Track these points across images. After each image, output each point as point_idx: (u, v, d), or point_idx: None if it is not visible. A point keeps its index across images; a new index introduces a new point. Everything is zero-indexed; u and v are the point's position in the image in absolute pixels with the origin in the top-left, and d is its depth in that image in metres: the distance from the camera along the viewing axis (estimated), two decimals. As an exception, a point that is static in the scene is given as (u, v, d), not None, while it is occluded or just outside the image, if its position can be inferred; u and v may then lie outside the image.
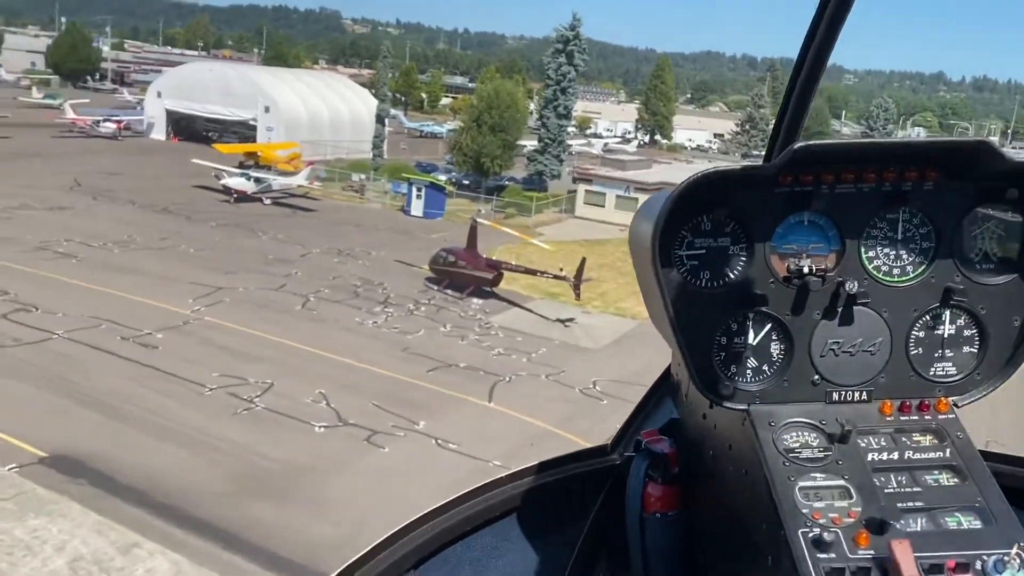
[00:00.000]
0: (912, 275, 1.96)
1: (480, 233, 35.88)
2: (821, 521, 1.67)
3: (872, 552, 1.61)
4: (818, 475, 1.76)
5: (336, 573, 1.97)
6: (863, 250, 1.95)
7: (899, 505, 1.72)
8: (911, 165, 1.91)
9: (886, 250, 1.95)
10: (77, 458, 18.54)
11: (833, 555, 1.61)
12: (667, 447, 2.28)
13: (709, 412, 2.09)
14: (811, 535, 1.64)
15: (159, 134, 76.47)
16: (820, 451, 1.82)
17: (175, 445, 19.65)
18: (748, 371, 1.96)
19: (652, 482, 2.28)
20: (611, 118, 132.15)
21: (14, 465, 16.89)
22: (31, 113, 77.72)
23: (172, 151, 67.06)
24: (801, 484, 1.74)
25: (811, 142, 1.80)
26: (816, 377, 1.95)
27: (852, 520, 1.67)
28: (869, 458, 1.81)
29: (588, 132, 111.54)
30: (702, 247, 1.93)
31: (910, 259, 1.96)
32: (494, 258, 36.68)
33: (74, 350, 24.92)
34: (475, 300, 34.91)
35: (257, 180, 51.17)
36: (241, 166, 56.70)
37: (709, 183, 1.84)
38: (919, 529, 1.67)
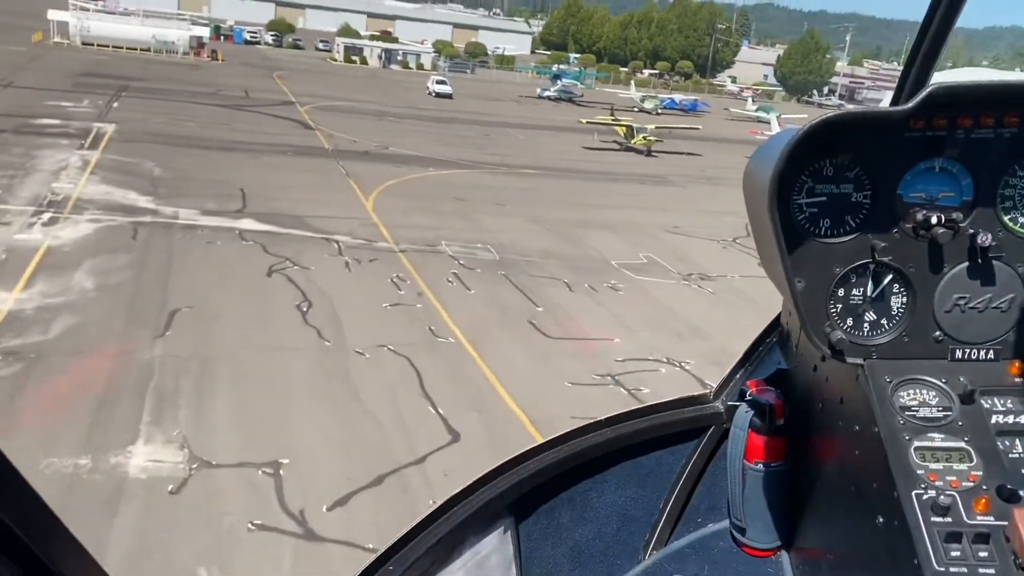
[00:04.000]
0: None
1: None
2: (937, 483, 1.61)
3: (992, 518, 1.56)
4: (936, 435, 1.69)
5: (435, 508, 2.00)
6: (999, 200, 1.82)
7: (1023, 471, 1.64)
8: None
9: None
10: None
11: (949, 519, 1.56)
12: (773, 398, 2.24)
13: (821, 365, 2.04)
14: (926, 497, 1.59)
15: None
16: (939, 411, 1.74)
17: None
18: (866, 324, 1.87)
19: (755, 432, 2.24)
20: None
21: None
22: (734, 127, 70.81)
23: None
24: (917, 444, 1.68)
25: (949, 82, 1.70)
26: (938, 333, 1.84)
27: (971, 484, 1.62)
28: (993, 420, 1.72)
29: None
30: (823, 193, 1.83)
31: None
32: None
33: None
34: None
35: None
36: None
37: (834, 126, 1.74)
38: None
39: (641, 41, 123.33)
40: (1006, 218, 1.83)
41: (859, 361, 1.84)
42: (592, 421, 2.37)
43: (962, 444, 1.69)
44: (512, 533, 2.23)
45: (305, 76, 69.61)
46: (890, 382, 1.79)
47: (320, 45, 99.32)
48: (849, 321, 1.87)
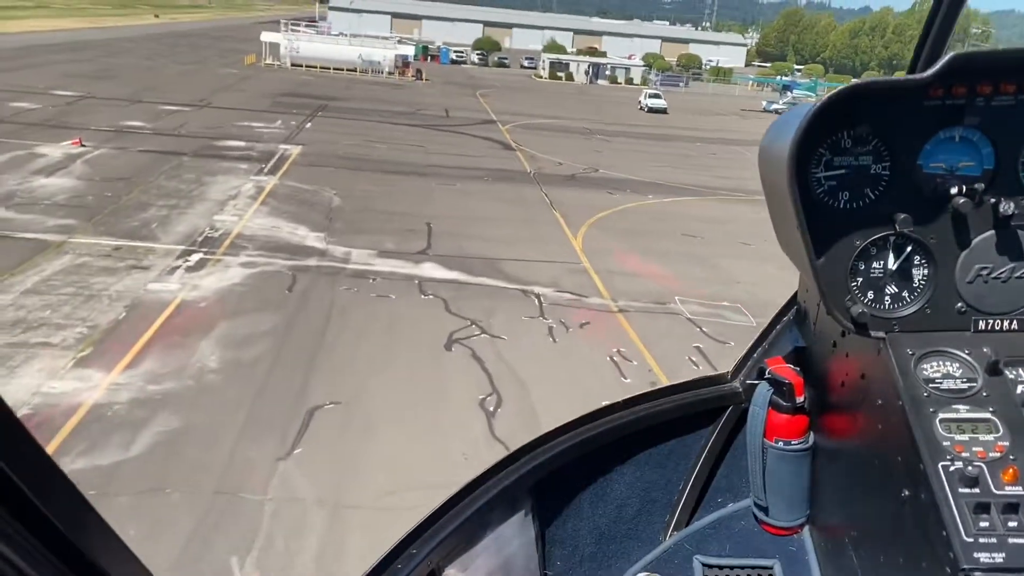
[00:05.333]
0: None
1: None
2: (964, 455, 1.59)
3: (1020, 488, 1.54)
4: (961, 407, 1.67)
5: (456, 492, 2.01)
6: (1020, 168, 1.78)
7: None
8: None
9: None
10: None
11: (977, 490, 1.54)
12: (792, 375, 2.22)
13: (840, 340, 2.02)
14: (953, 469, 1.57)
15: None
16: (964, 382, 1.71)
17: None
18: (886, 298, 1.83)
19: (775, 410, 2.24)
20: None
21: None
22: None
23: None
24: (942, 416, 1.65)
25: (969, 50, 1.68)
26: (961, 305, 1.80)
27: (998, 454, 1.59)
28: (1019, 391, 1.69)
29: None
30: (841, 166, 1.80)
31: None
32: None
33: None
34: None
35: None
36: None
37: (852, 96, 1.73)
38: None
39: (875, 49, 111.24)
40: None
41: (881, 335, 1.80)
42: (610, 404, 2.38)
43: (988, 415, 1.65)
44: (534, 516, 2.25)
45: (509, 93, 65.58)
46: (913, 355, 1.76)
47: (525, 62, 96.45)
48: (870, 295, 1.84)
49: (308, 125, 39.13)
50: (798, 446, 2.22)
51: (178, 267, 18.22)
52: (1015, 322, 1.80)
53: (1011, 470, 1.56)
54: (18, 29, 77.23)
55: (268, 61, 68.96)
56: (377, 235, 22.14)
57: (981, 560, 1.48)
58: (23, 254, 17.90)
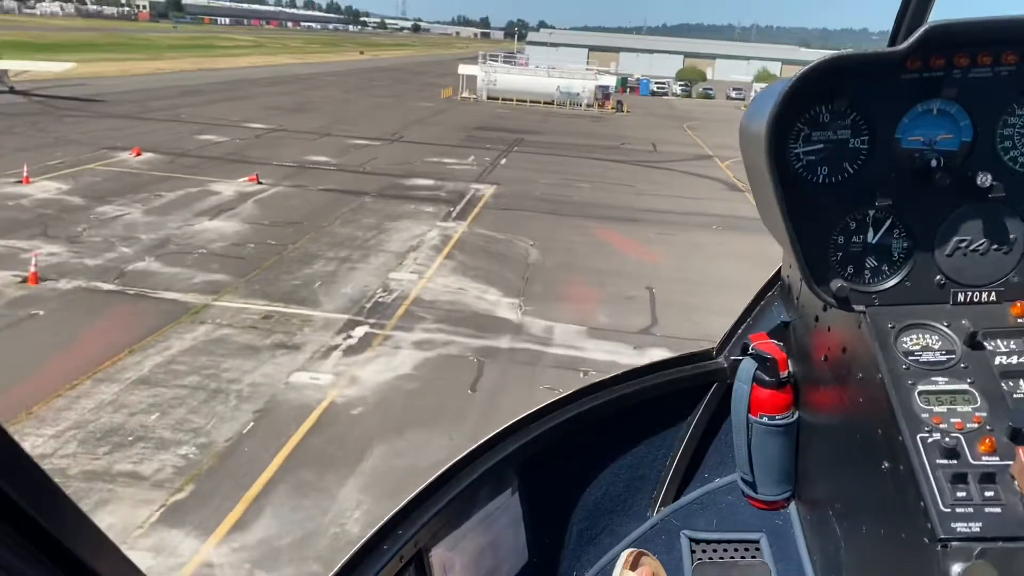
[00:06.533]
0: None
1: None
2: (942, 426, 1.60)
3: (997, 458, 1.54)
4: (940, 379, 1.67)
5: (442, 472, 2.01)
6: (998, 140, 1.79)
7: None
8: None
9: None
10: None
11: (955, 461, 1.55)
12: (776, 351, 2.25)
13: (822, 315, 2.02)
14: (931, 440, 1.58)
15: None
16: (943, 354, 1.72)
17: None
18: (866, 271, 1.85)
19: (760, 386, 2.25)
20: None
21: None
22: None
23: None
24: (921, 388, 1.66)
25: (946, 20, 1.68)
26: (940, 277, 1.82)
27: (976, 425, 1.60)
28: (996, 362, 1.69)
29: None
30: (819, 140, 1.81)
31: None
32: None
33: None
34: None
35: None
36: None
37: (829, 71, 1.73)
38: None
39: None
40: (1005, 158, 1.79)
41: (861, 308, 1.81)
42: (596, 382, 2.39)
43: (966, 386, 1.66)
44: (520, 494, 2.25)
45: (719, 126, 59.18)
46: (893, 328, 1.76)
47: (732, 94, 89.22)
48: (850, 269, 1.85)
49: (503, 161, 35.06)
50: (782, 421, 2.24)
51: (336, 347, 13.99)
52: (993, 294, 1.79)
53: (988, 440, 1.55)
54: (231, 65, 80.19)
55: (464, 94, 66.69)
56: (585, 303, 17.19)
57: (958, 530, 1.47)
58: (154, 322, 14.34)
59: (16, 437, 0.80)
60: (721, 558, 2.42)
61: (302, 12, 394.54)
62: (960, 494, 1.50)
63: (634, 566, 2.25)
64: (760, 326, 2.45)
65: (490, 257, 20.26)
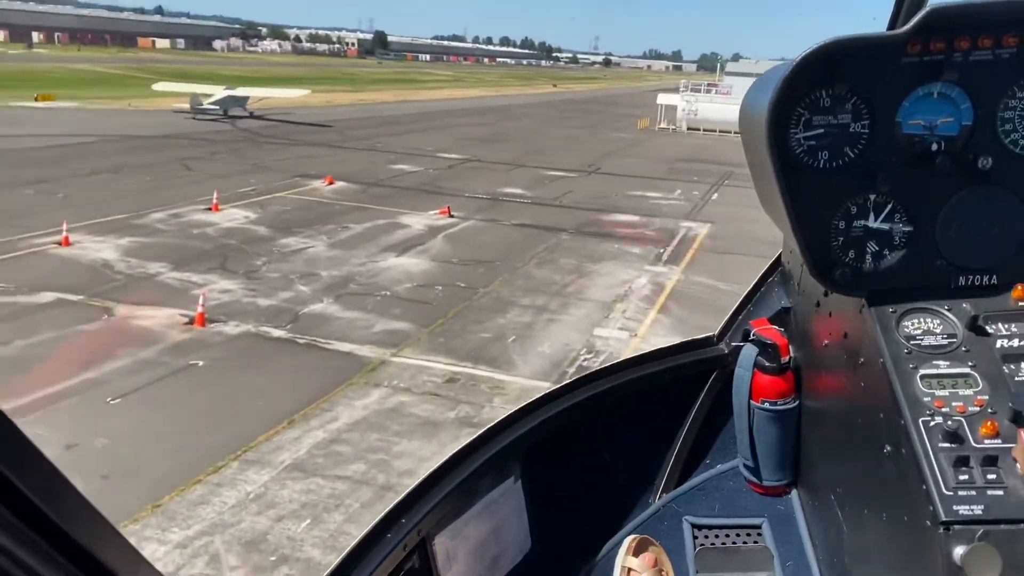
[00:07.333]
0: None
1: None
2: (944, 410, 1.59)
3: (999, 441, 1.53)
4: (941, 363, 1.66)
5: (445, 460, 2.00)
6: (998, 123, 1.75)
7: None
8: None
9: None
10: None
11: (956, 444, 1.53)
12: (777, 336, 2.25)
13: (823, 300, 2.03)
14: (933, 424, 1.57)
15: None
16: (944, 338, 1.70)
17: None
18: (867, 256, 1.82)
19: (761, 372, 2.26)
20: None
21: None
22: None
23: None
24: (923, 372, 1.64)
25: (946, 3, 1.66)
26: (941, 262, 1.80)
27: (977, 409, 1.59)
28: (998, 345, 1.67)
29: None
30: (820, 125, 1.78)
31: None
32: None
33: None
34: None
35: None
36: None
37: (828, 55, 1.71)
38: None
39: None
40: (1006, 141, 1.77)
41: (863, 293, 1.80)
42: (597, 369, 2.40)
43: (967, 370, 1.64)
44: (523, 482, 2.28)
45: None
46: (894, 312, 1.75)
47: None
48: (851, 254, 1.82)
49: (714, 196, 31.30)
50: (784, 406, 2.26)
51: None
52: (995, 277, 1.77)
53: (990, 423, 1.54)
54: (429, 97, 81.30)
55: (662, 125, 63.29)
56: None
57: (960, 512, 1.46)
58: (323, 381, 12.05)
59: (28, 435, 0.81)
60: (723, 543, 2.43)
61: (498, 48, 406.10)
62: (962, 477, 1.49)
63: (637, 552, 2.25)
64: (761, 312, 2.50)
65: (714, 312, 16.71)
